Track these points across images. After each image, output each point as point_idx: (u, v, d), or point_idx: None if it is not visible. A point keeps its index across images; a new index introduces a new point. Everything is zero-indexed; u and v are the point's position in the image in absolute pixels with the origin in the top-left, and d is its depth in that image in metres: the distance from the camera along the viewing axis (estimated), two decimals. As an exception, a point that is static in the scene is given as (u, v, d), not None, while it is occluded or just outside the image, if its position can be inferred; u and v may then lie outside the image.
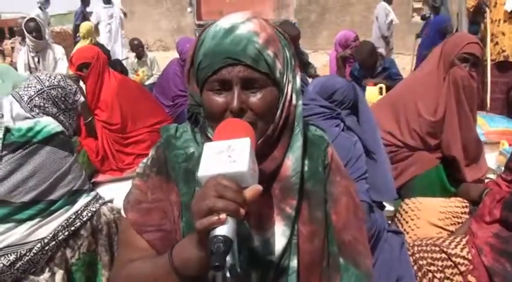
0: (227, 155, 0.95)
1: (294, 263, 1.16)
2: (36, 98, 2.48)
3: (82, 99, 2.76)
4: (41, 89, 2.51)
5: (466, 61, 2.98)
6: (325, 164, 1.25)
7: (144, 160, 1.26)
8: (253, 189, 0.94)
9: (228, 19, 1.12)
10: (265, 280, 1.15)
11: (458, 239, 2.30)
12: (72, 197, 2.40)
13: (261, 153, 1.08)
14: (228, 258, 1.06)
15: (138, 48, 7.87)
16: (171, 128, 1.27)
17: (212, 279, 1.14)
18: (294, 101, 1.17)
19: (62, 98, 2.57)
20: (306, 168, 1.21)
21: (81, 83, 3.87)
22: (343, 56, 6.32)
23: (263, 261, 1.14)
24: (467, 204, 2.69)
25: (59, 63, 5.86)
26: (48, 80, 2.55)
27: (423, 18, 10.13)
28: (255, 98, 1.09)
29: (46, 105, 2.50)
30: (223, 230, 0.89)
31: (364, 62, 5.66)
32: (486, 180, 2.98)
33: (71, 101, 2.62)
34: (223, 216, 0.89)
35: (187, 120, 1.25)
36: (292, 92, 1.16)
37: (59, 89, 2.56)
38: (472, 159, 3.03)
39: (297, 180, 1.17)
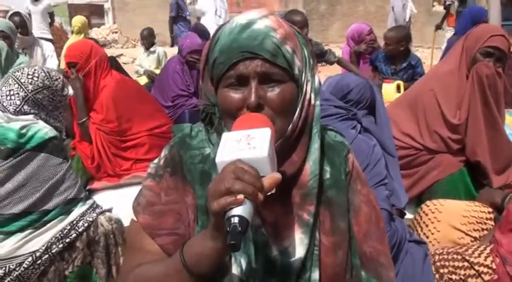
0: (246, 143, 1.00)
1: (315, 275, 1.18)
2: (25, 107, 2.44)
3: (71, 92, 2.72)
4: (26, 95, 2.44)
5: (490, 56, 2.97)
6: (346, 172, 1.29)
7: (156, 160, 1.29)
8: (271, 177, 0.98)
9: (244, 16, 1.16)
10: None
11: (482, 248, 2.30)
12: (67, 206, 2.39)
13: (280, 156, 1.10)
14: (244, 264, 1.10)
15: (148, 38, 7.96)
16: (186, 127, 1.31)
17: None
18: (312, 101, 1.20)
19: (50, 99, 2.52)
20: (327, 176, 1.25)
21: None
22: (357, 51, 6.30)
23: (281, 272, 1.17)
24: (493, 210, 2.69)
25: (48, 60, 5.89)
26: (31, 83, 2.45)
27: (446, 7, 10.04)
28: (273, 94, 1.13)
29: (33, 111, 2.46)
30: (240, 210, 0.92)
31: (393, 49, 5.61)
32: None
33: (59, 99, 2.57)
34: (240, 196, 0.93)
35: (201, 121, 1.28)
36: (311, 91, 1.20)
37: (45, 91, 2.48)
38: (501, 163, 3.02)
39: (315, 184, 1.19)
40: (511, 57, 4.32)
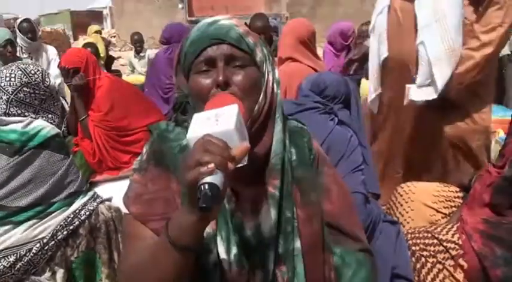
0: (215, 119, 1.01)
1: (297, 244, 1.23)
2: (11, 109, 2.40)
3: (55, 81, 2.63)
4: (8, 98, 2.39)
5: None
6: (312, 154, 1.34)
7: (139, 158, 1.32)
8: (240, 147, 0.99)
9: (210, 18, 1.23)
10: (268, 264, 1.20)
11: (449, 226, 2.36)
12: (69, 198, 2.42)
13: (252, 140, 1.14)
14: (225, 244, 1.14)
15: (137, 42, 8.01)
16: (162, 124, 1.34)
17: (216, 265, 1.19)
18: (275, 89, 1.25)
19: (32, 95, 2.44)
20: (294, 157, 1.29)
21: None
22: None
23: (259, 244, 1.21)
24: (460, 190, 2.75)
25: (51, 64, 5.84)
26: (10, 85, 2.39)
27: None
28: (239, 76, 1.17)
29: (21, 110, 2.42)
30: (210, 178, 0.93)
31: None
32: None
33: (42, 92, 2.49)
34: (211, 165, 0.93)
35: (173, 110, 1.34)
36: (273, 81, 1.25)
37: (24, 88, 2.41)
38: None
39: (278, 162, 1.23)
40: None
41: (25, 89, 2.42)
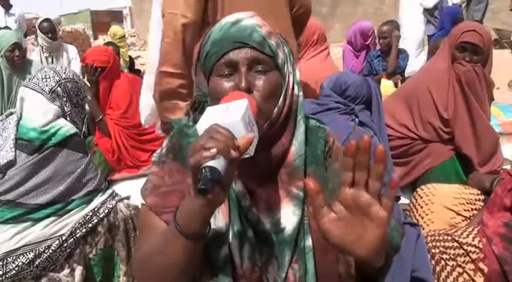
0: (224, 111, 1.04)
1: (308, 242, 1.22)
2: (58, 89, 2.52)
3: (88, 97, 2.81)
4: (59, 80, 2.54)
5: (465, 50, 2.96)
6: (327, 146, 1.33)
7: (158, 150, 1.33)
8: (245, 137, 1.01)
9: (232, 16, 1.21)
10: (284, 262, 1.20)
11: (470, 229, 2.32)
12: (88, 196, 2.44)
13: (270, 140, 1.16)
14: (240, 239, 1.13)
15: None
16: (183, 120, 1.35)
17: (227, 260, 1.18)
18: (296, 91, 1.25)
19: (76, 92, 2.60)
20: (307, 155, 1.28)
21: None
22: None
23: (277, 242, 1.20)
24: (481, 192, 2.71)
25: (72, 63, 5.90)
26: (64, 73, 2.59)
27: None
28: (261, 81, 1.17)
29: (63, 95, 2.54)
30: (211, 163, 0.95)
31: (390, 42, 5.68)
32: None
33: (82, 96, 2.66)
34: (213, 150, 0.95)
35: (191, 109, 1.35)
36: (294, 82, 1.24)
37: (74, 82, 2.60)
38: (487, 154, 3.02)
39: (301, 163, 1.24)
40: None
41: (74, 83, 2.60)
